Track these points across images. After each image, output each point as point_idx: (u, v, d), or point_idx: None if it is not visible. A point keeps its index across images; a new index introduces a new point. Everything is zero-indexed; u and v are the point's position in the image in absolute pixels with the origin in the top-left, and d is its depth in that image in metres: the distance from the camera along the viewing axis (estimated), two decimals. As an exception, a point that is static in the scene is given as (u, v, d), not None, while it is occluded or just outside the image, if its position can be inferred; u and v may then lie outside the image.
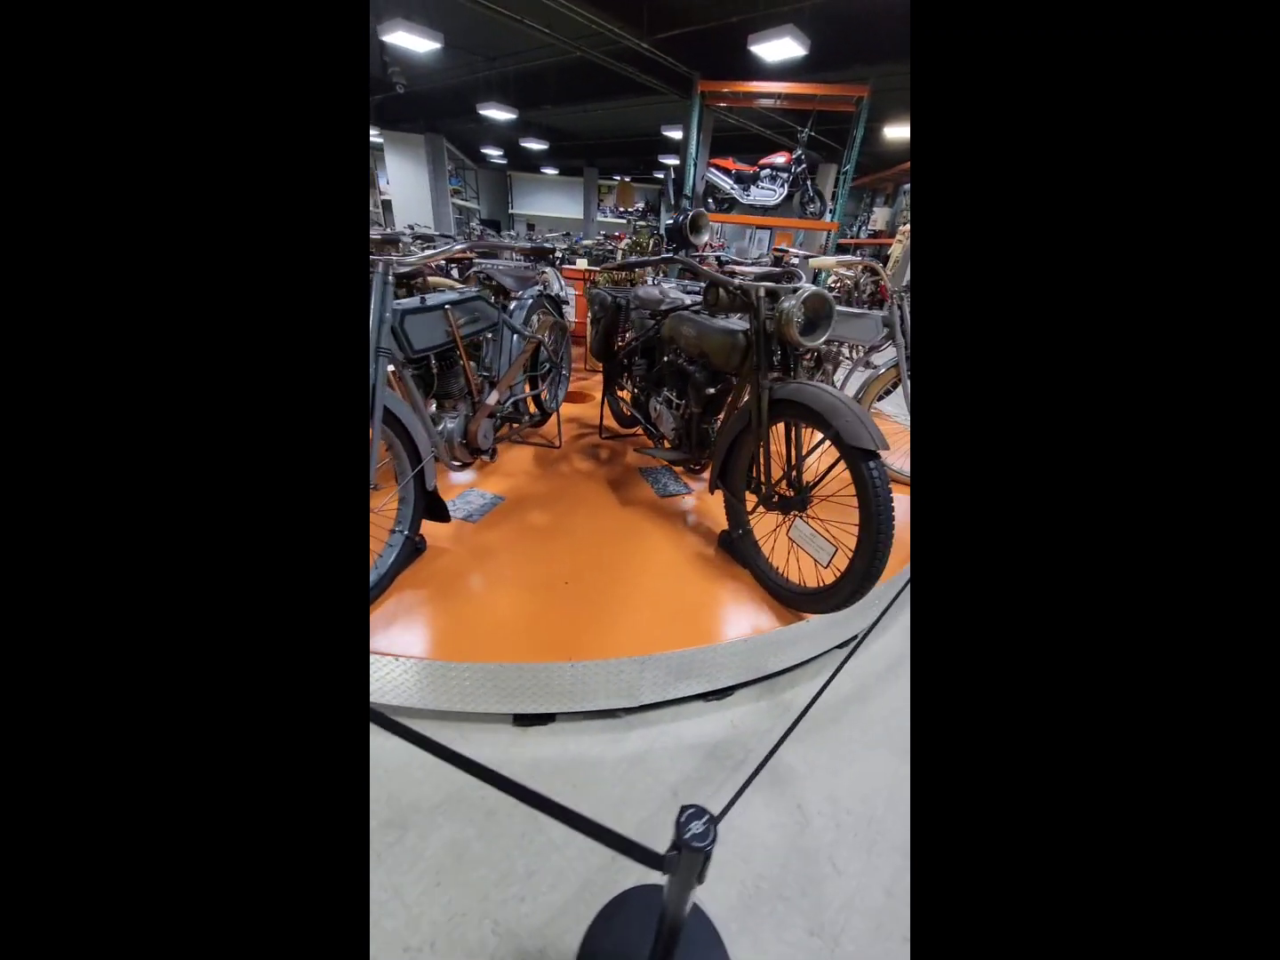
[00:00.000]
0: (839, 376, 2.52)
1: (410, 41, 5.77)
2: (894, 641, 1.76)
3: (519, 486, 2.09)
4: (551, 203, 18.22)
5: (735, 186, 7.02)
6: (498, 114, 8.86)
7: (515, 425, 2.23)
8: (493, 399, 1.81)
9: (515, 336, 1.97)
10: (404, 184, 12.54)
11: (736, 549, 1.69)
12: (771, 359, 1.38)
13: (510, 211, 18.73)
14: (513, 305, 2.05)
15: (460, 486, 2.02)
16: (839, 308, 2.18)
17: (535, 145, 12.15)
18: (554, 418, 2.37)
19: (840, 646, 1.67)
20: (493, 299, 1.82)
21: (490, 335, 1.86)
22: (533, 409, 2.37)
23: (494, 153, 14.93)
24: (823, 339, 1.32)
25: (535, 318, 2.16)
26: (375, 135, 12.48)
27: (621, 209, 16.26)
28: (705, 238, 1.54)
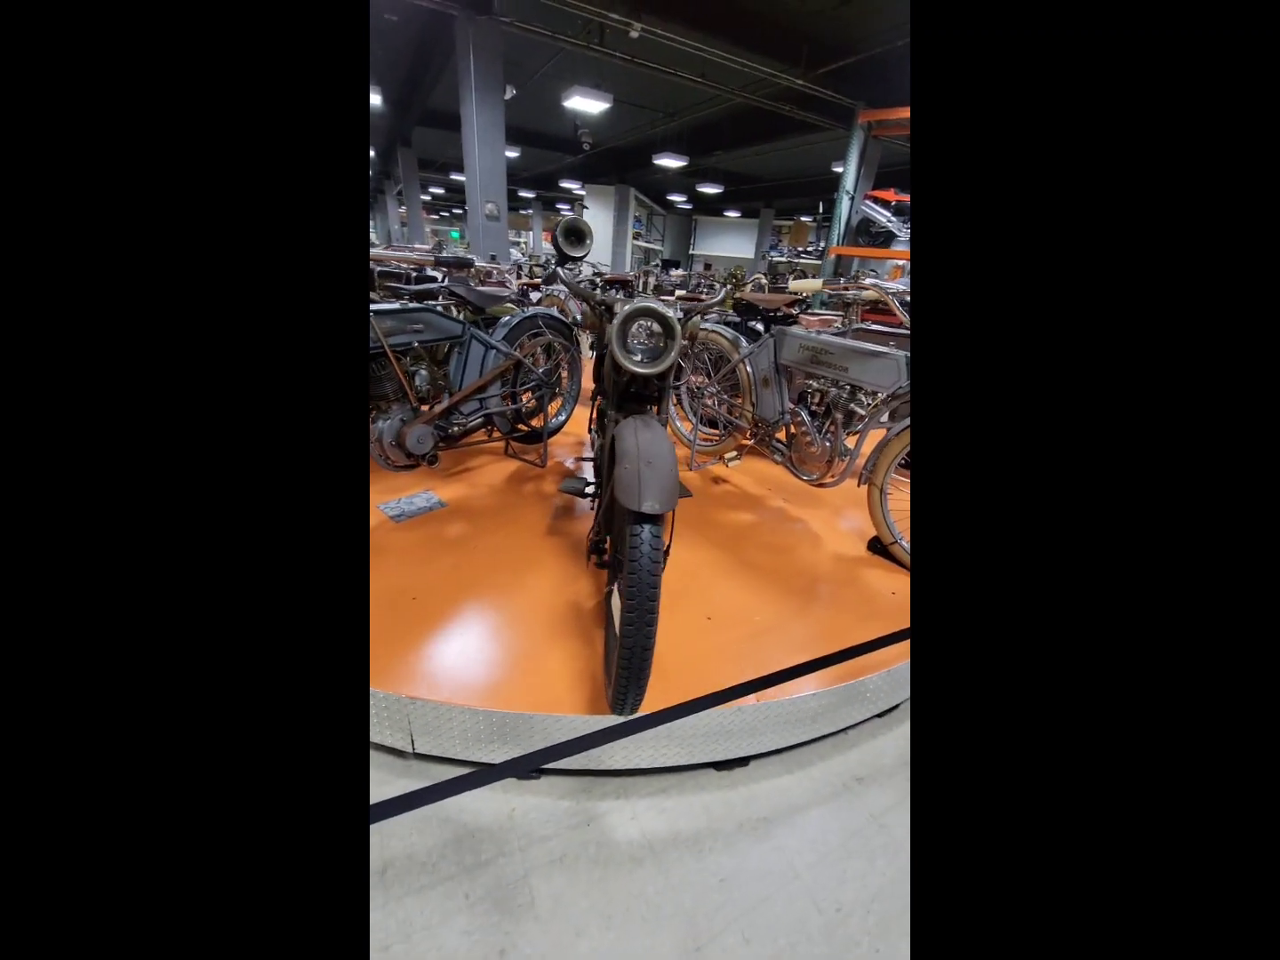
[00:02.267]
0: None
1: (585, 104, 6.54)
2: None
3: (472, 497, 2.11)
4: (729, 243, 18.75)
5: (893, 219, 6.32)
6: (670, 162, 9.48)
7: (495, 436, 2.26)
8: (440, 407, 1.87)
9: (491, 352, 2.01)
10: (595, 228, 14.18)
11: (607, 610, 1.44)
12: (618, 387, 1.15)
13: (690, 252, 19.79)
14: (500, 322, 2.11)
15: (415, 486, 2.12)
16: (850, 342, 1.76)
17: (710, 189, 12.68)
18: (547, 437, 2.35)
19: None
20: (454, 314, 1.89)
21: (456, 348, 1.93)
22: (523, 427, 2.39)
23: (679, 198, 16.00)
24: (663, 367, 1.05)
25: (525, 338, 2.19)
26: (578, 187, 14.43)
27: (798, 248, 15.95)
28: (585, 249, 1.36)
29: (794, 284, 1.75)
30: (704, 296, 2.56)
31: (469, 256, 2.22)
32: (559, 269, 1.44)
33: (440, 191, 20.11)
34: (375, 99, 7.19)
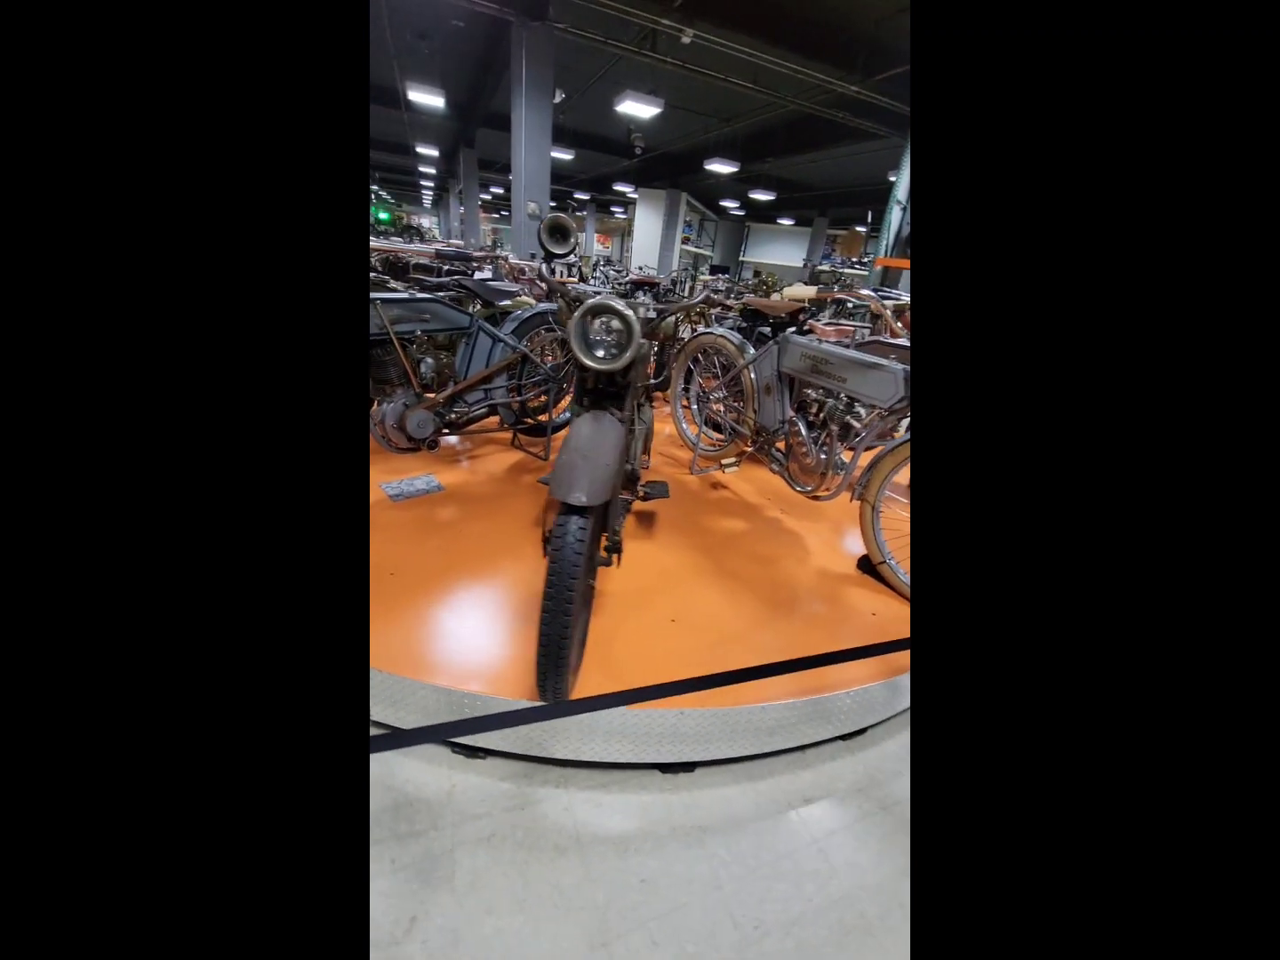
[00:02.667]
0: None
1: (637, 109, 6.61)
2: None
3: (470, 484, 2.17)
4: (781, 251, 18.47)
5: (946, 232, 6.06)
6: (722, 168, 9.44)
7: (503, 427, 2.32)
8: (443, 395, 1.94)
9: (499, 345, 2.08)
10: (646, 232, 14.32)
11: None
12: (582, 383, 1.16)
13: (741, 258, 19.62)
14: (510, 316, 2.17)
15: (419, 469, 2.21)
16: (849, 352, 1.72)
17: (762, 196, 12.54)
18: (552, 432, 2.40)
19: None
20: (461, 305, 1.96)
21: (464, 339, 2.00)
22: (529, 420, 2.44)
23: (731, 204, 15.90)
24: (618, 364, 1.05)
25: (540, 331, 2.24)
26: (630, 190, 14.58)
27: (851, 258, 15.52)
28: (569, 247, 1.37)
29: (787, 291, 1.71)
30: (729, 302, 2.55)
31: (469, 251, 2.28)
32: (543, 266, 1.47)
33: (501, 191, 20.78)
34: (439, 101, 7.52)
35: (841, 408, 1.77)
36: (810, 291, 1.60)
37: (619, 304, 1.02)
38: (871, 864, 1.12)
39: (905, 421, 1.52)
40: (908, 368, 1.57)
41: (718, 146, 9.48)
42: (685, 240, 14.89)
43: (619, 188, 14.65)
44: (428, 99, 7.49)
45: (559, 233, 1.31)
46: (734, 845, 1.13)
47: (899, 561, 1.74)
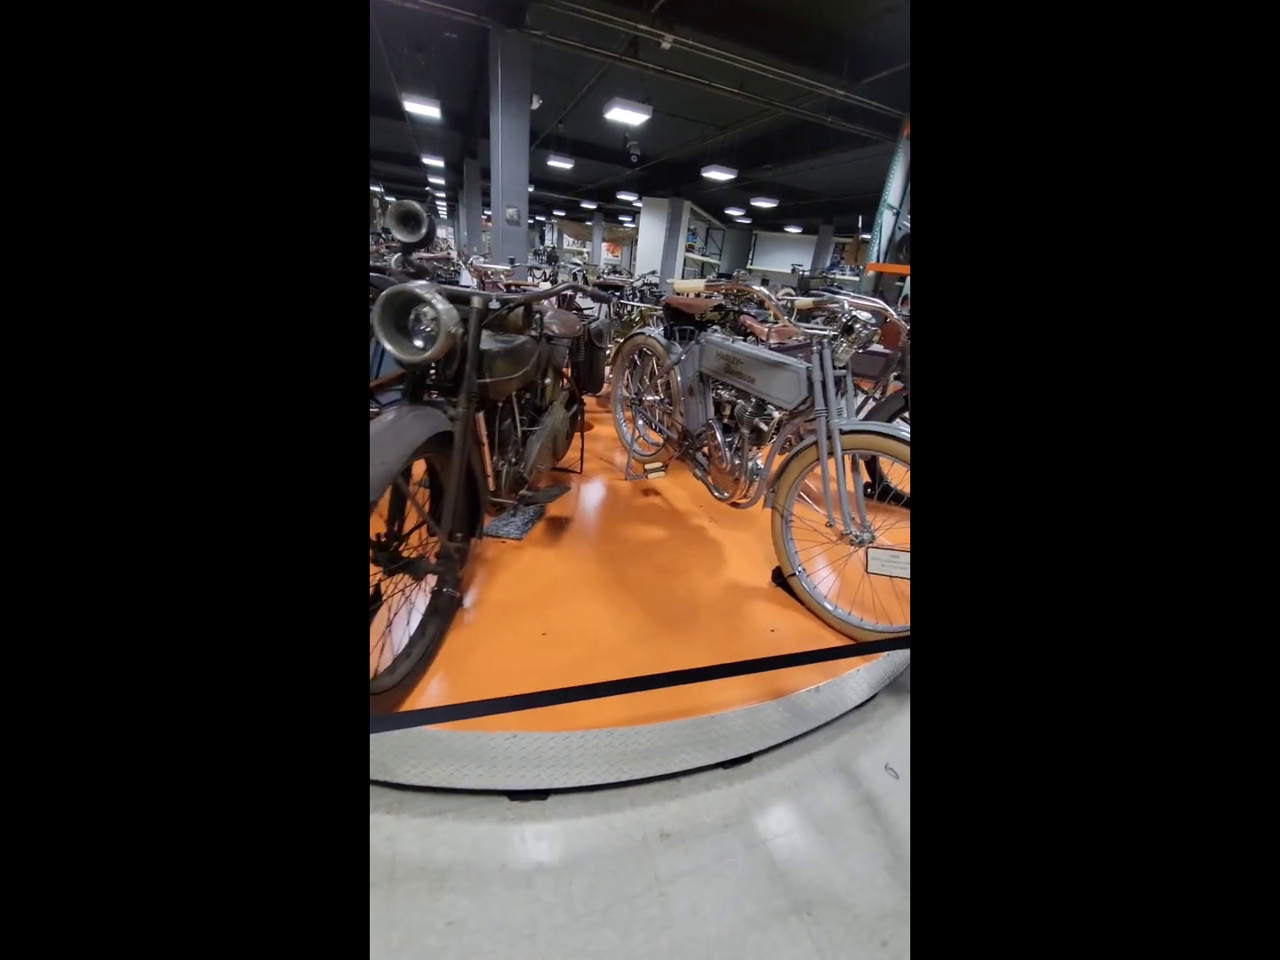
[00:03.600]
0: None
1: (626, 116, 6.62)
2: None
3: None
4: (789, 258, 18.38)
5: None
6: (719, 175, 9.42)
7: None
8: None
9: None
10: (649, 240, 14.40)
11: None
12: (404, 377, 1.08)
13: (748, 266, 19.57)
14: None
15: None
16: (757, 350, 1.62)
17: (764, 203, 12.49)
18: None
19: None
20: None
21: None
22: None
23: (737, 212, 15.89)
24: (433, 354, 0.97)
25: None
26: (635, 200, 14.66)
27: (858, 265, 15.36)
28: (420, 235, 1.30)
29: (677, 284, 1.62)
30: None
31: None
32: (393, 260, 1.40)
33: (510, 202, 21.05)
34: (435, 112, 7.64)
35: (751, 409, 1.67)
36: (699, 284, 1.50)
37: (429, 293, 0.94)
38: (714, 913, 1.01)
39: (828, 422, 1.40)
40: (810, 366, 1.46)
41: (716, 154, 9.46)
42: (690, 248, 14.90)
43: (624, 196, 14.74)
44: (424, 110, 7.61)
45: (410, 221, 1.24)
46: (564, 887, 1.02)
47: (811, 574, 1.62)
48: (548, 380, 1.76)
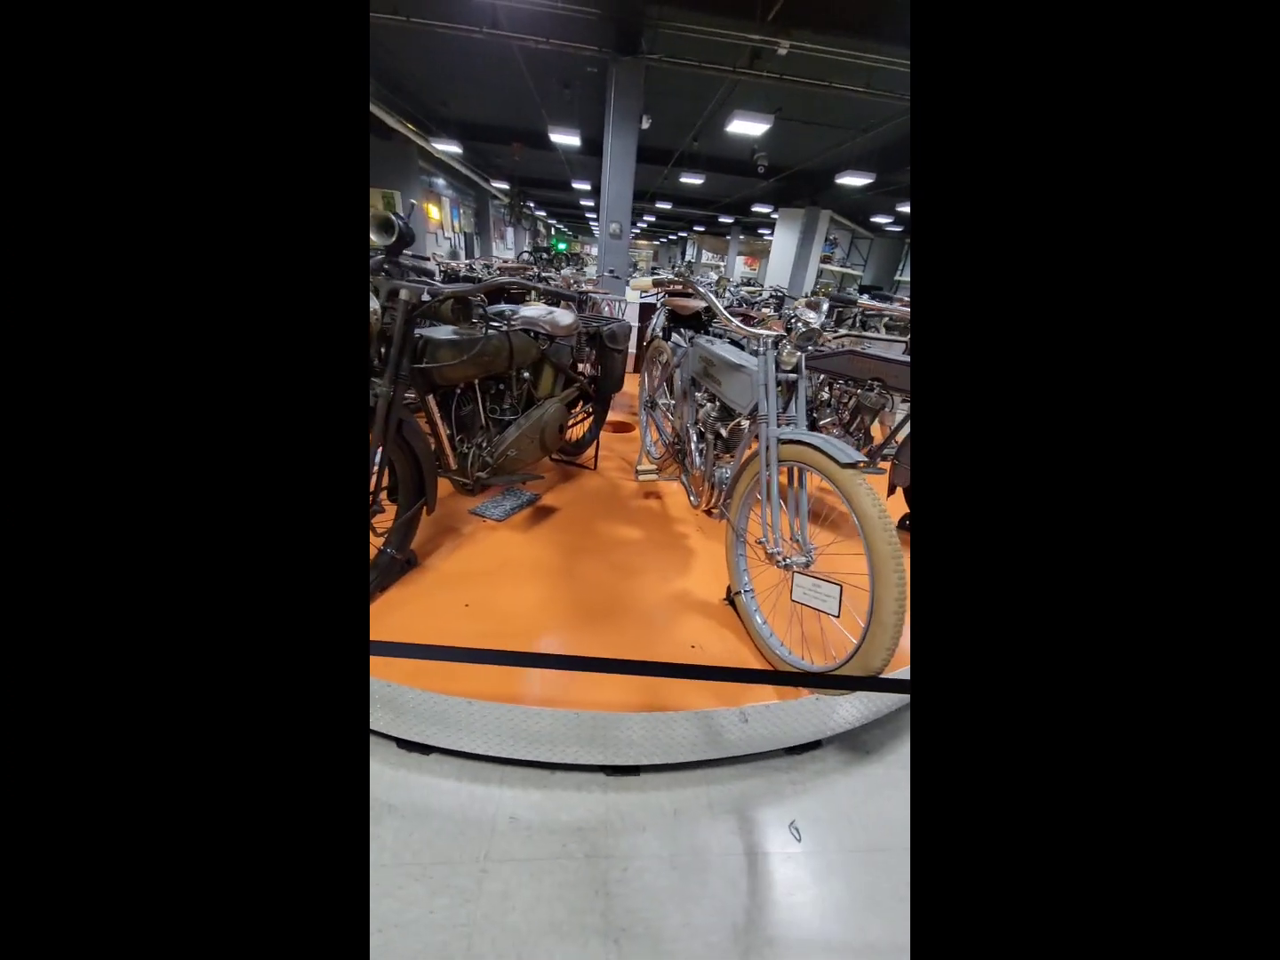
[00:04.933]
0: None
1: (748, 127, 6.57)
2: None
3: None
4: (945, 270, 16.36)
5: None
6: (855, 180, 8.83)
7: None
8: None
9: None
10: (783, 251, 14.00)
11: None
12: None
13: (896, 278, 17.94)
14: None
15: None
16: (724, 351, 1.57)
17: (908, 209, 11.32)
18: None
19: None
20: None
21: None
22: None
23: (885, 220, 14.67)
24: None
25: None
26: (772, 211, 14.33)
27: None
28: (392, 239, 1.39)
29: (634, 283, 1.57)
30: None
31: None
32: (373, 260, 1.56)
33: (652, 219, 22.06)
34: (576, 140, 8.37)
35: (715, 414, 1.59)
36: (646, 282, 1.44)
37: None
38: (523, 904, 1.00)
39: (768, 430, 1.29)
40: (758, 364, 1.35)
41: (854, 159, 8.89)
42: (825, 260, 14.12)
43: (760, 209, 14.54)
44: (567, 139, 8.39)
45: (384, 228, 1.41)
46: (404, 834, 1.10)
47: (760, 594, 1.49)
48: (526, 374, 1.86)
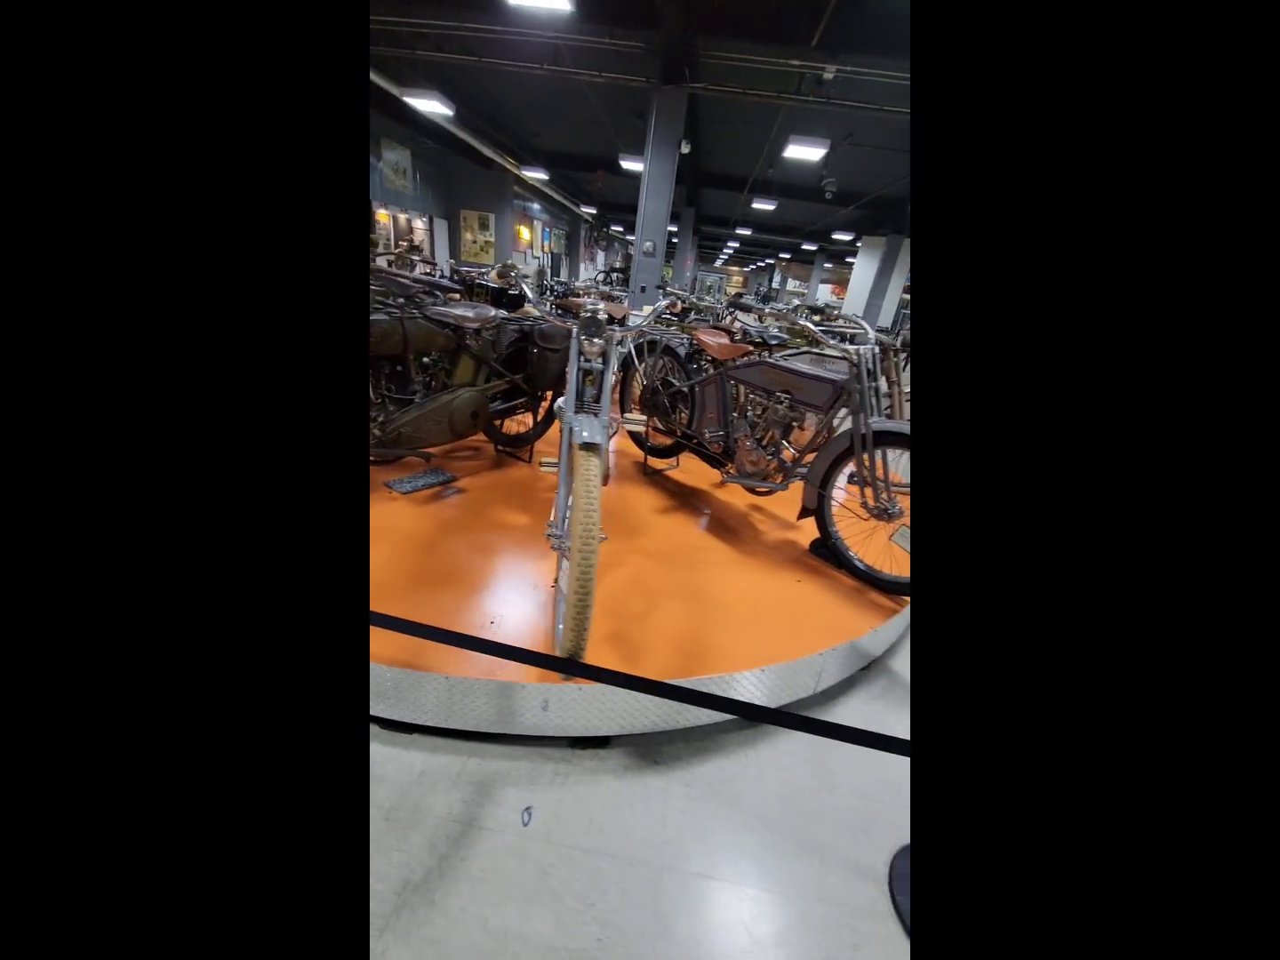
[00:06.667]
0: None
1: (804, 152, 6.53)
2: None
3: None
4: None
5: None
6: (932, 207, 8.36)
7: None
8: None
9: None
10: (862, 279, 13.53)
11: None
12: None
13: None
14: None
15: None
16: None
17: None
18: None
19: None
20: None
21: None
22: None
23: (981, 251, 13.63)
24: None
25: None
26: (855, 239, 13.90)
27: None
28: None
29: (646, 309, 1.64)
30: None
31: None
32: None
33: (735, 245, 22.12)
34: (639, 166, 8.75)
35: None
36: (647, 310, 1.50)
37: None
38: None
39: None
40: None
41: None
42: (907, 290, 13.38)
43: (839, 236, 14.15)
44: (638, 166, 8.81)
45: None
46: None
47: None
48: (429, 359, 2.01)
